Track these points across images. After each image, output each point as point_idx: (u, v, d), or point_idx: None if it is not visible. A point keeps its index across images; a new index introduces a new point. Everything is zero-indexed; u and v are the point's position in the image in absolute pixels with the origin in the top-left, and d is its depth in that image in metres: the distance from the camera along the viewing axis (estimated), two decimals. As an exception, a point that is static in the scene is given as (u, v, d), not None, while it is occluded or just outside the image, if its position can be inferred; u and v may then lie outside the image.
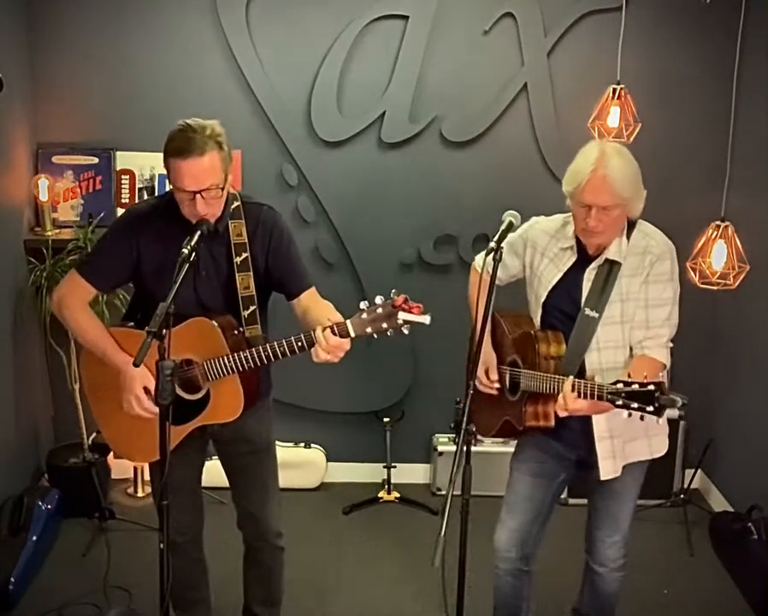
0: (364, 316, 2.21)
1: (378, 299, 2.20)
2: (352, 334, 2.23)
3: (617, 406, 2.18)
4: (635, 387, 2.15)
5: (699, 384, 4.21)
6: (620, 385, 2.18)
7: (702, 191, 3.92)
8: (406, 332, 2.21)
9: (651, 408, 2.12)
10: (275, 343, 2.33)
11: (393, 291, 2.21)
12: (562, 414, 2.34)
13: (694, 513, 3.97)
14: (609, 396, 2.19)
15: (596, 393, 2.24)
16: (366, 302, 2.23)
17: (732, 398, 4.10)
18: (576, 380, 2.30)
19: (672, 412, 3.98)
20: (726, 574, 3.62)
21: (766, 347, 3.76)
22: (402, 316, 2.17)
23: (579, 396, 2.27)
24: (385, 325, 2.20)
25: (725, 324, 4.16)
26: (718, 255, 3.30)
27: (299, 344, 2.29)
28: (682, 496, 4.02)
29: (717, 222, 3.32)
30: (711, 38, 3.90)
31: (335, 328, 2.23)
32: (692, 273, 3.33)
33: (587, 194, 2.34)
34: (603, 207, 2.34)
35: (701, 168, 4.02)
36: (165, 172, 2.38)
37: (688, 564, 3.71)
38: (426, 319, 2.18)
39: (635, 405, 2.14)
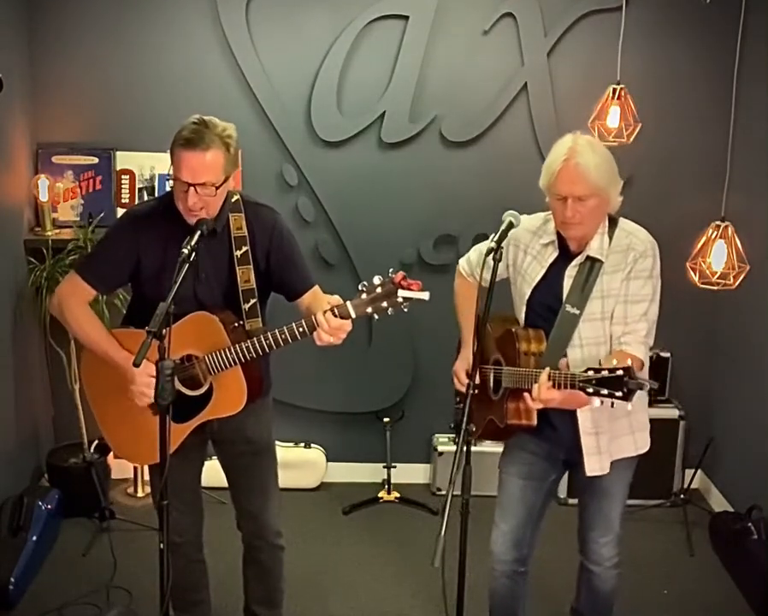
0: (364, 296, 2.22)
1: (376, 279, 2.20)
2: (353, 315, 2.23)
3: (588, 394, 2.19)
4: (605, 373, 2.17)
5: (699, 384, 4.22)
6: (591, 372, 2.19)
7: (702, 191, 3.92)
8: (406, 310, 2.21)
9: (620, 393, 2.13)
10: (277, 330, 2.33)
11: (391, 269, 2.21)
12: (536, 406, 2.34)
13: (694, 513, 3.97)
14: (580, 384, 2.20)
15: (569, 382, 2.25)
16: (365, 283, 2.22)
17: (732, 398, 4.10)
18: (552, 371, 2.30)
19: (672, 412, 4.04)
20: (726, 574, 3.62)
21: (766, 347, 3.77)
22: (402, 293, 2.17)
23: (554, 386, 2.28)
24: (385, 304, 2.20)
25: (725, 324, 4.16)
26: (718, 255, 3.30)
27: (300, 330, 2.30)
28: (682, 496, 4.02)
29: (717, 222, 3.31)
30: (711, 38, 3.90)
31: (336, 311, 2.24)
32: (692, 273, 3.32)
33: (561, 184, 2.36)
34: (578, 197, 2.35)
35: (701, 168, 4.02)
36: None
37: (688, 564, 3.71)
38: (425, 295, 2.17)
39: (605, 391, 2.15)
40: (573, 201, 2.35)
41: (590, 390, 2.18)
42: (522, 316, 2.57)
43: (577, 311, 2.43)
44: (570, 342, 2.44)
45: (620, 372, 2.14)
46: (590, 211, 2.38)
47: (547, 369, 2.31)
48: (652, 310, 2.45)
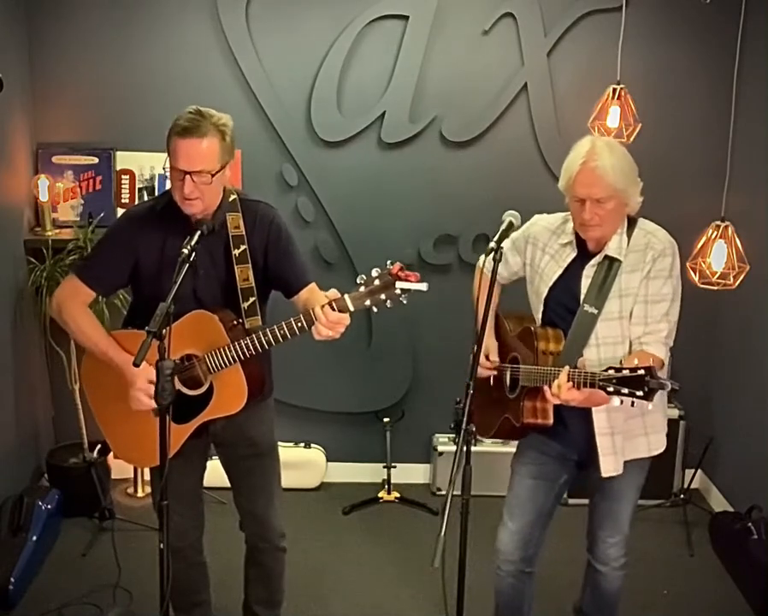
0: (362, 289, 2.21)
1: (374, 272, 2.20)
2: (351, 308, 2.23)
3: (608, 393, 2.19)
4: (626, 372, 2.16)
5: (699, 384, 4.22)
6: (611, 371, 2.19)
7: (702, 191, 3.92)
8: (405, 302, 2.19)
9: (640, 393, 2.13)
10: (275, 326, 2.32)
11: (389, 261, 2.20)
12: (554, 401, 2.35)
13: (694, 513, 3.97)
14: (601, 383, 2.20)
15: (589, 381, 2.24)
16: (363, 276, 2.22)
17: (732, 398, 4.10)
18: (571, 369, 2.30)
19: (672, 412, 4.04)
20: (726, 574, 3.62)
21: (766, 347, 3.77)
22: (400, 285, 2.16)
23: (573, 386, 2.28)
24: (383, 296, 2.19)
25: (725, 324, 4.16)
26: (718, 255, 3.30)
27: (299, 324, 2.29)
28: (682, 496, 4.02)
29: (717, 222, 3.32)
30: (711, 38, 3.90)
31: (333, 304, 2.23)
32: (692, 273, 3.33)
33: (579, 187, 2.36)
34: (596, 199, 2.35)
35: (701, 168, 4.02)
36: (164, 171, 2.39)
37: (688, 564, 3.71)
38: (423, 286, 2.16)
39: (626, 390, 2.15)
40: (591, 203, 2.35)
41: (610, 389, 2.18)
42: (539, 316, 2.57)
43: (595, 311, 2.43)
44: (587, 342, 2.44)
45: (641, 372, 2.13)
46: (608, 213, 2.38)
47: (567, 368, 2.30)
48: (673, 310, 2.44)
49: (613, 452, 2.50)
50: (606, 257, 2.45)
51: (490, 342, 2.66)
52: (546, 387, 2.35)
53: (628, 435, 2.52)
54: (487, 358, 2.64)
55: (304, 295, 2.53)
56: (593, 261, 2.47)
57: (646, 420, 2.52)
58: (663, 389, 2.14)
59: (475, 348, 2.28)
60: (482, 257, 2.73)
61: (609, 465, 2.50)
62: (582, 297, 2.46)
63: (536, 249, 2.59)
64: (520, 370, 2.54)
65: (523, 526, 2.66)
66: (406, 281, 2.17)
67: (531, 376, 2.47)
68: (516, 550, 2.68)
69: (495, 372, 2.65)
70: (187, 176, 2.31)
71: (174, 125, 2.35)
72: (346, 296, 2.24)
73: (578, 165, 2.35)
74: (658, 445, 2.59)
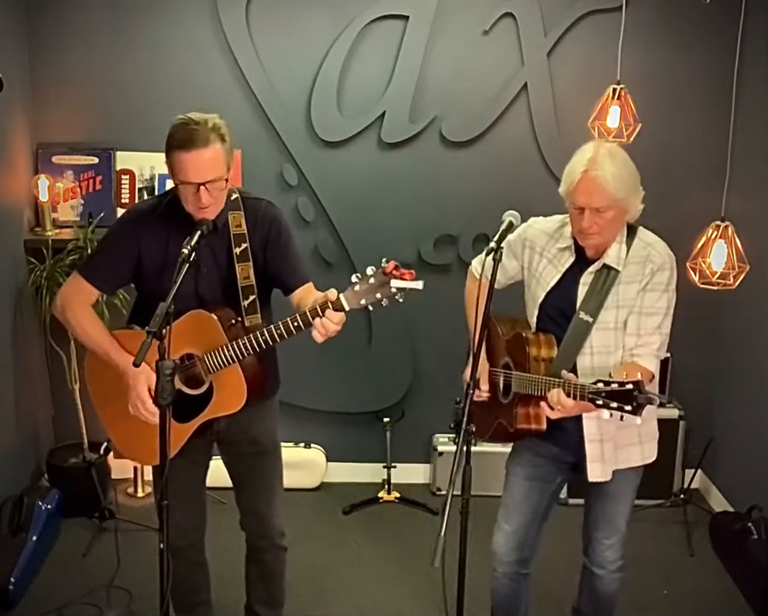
0: (357, 288, 2.18)
1: (369, 270, 2.18)
2: (347, 308, 2.21)
3: (597, 406, 2.18)
4: (614, 386, 2.16)
5: (699, 384, 4.22)
6: (600, 385, 2.19)
7: (702, 191, 3.92)
8: (401, 300, 2.17)
9: (629, 407, 2.13)
10: (272, 326, 2.31)
11: (384, 259, 2.19)
12: (555, 416, 2.35)
13: (694, 513, 3.97)
14: (590, 395, 2.20)
15: (578, 393, 2.24)
16: (358, 275, 2.20)
17: (732, 398, 4.10)
18: (558, 379, 2.31)
19: (672, 412, 4.04)
20: (726, 574, 3.62)
21: (766, 347, 3.77)
22: (395, 283, 2.14)
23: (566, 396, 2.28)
24: (378, 295, 2.16)
25: (725, 324, 4.16)
26: (718, 255, 3.30)
27: (295, 324, 2.27)
28: (682, 496, 4.02)
29: (717, 222, 3.31)
30: (711, 38, 3.90)
31: (329, 304, 2.22)
32: (692, 273, 3.32)
33: (579, 195, 2.34)
34: (595, 208, 2.33)
35: (701, 168, 4.02)
36: (166, 170, 2.37)
37: (688, 564, 3.71)
38: (419, 284, 2.14)
39: (614, 404, 2.15)
40: (591, 212, 2.33)
41: (599, 402, 2.17)
42: (533, 320, 2.56)
43: (591, 319, 2.41)
44: (581, 349, 2.43)
45: (629, 386, 2.13)
46: (608, 222, 2.36)
47: (559, 389, 2.30)
48: (665, 323, 2.43)
49: (601, 459, 2.50)
50: (604, 265, 2.44)
51: (482, 365, 2.61)
52: (543, 404, 2.36)
53: (621, 443, 2.52)
54: (477, 384, 2.60)
55: (298, 294, 2.52)
56: (592, 268, 2.45)
57: (640, 429, 2.51)
58: (651, 404, 2.13)
59: (475, 349, 2.27)
60: (474, 261, 2.73)
61: (596, 472, 2.51)
62: (579, 304, 2.45)
63: (534, 253, 2.57)
64: (512, 377, 2.54)
65: (519, 527, 2.65)
66: (401, 279, 2.15)
67: (523, 384, 2.47)
68: (511, 551, 2.67)
69: (487, 398, 2.63)
70: (202, 188, 2.31)
71: (171, 140, 2.32)
72: (341, 295, 2.22)
73: (579, 173, 2.33)
74: (651, 453, 2.60)
